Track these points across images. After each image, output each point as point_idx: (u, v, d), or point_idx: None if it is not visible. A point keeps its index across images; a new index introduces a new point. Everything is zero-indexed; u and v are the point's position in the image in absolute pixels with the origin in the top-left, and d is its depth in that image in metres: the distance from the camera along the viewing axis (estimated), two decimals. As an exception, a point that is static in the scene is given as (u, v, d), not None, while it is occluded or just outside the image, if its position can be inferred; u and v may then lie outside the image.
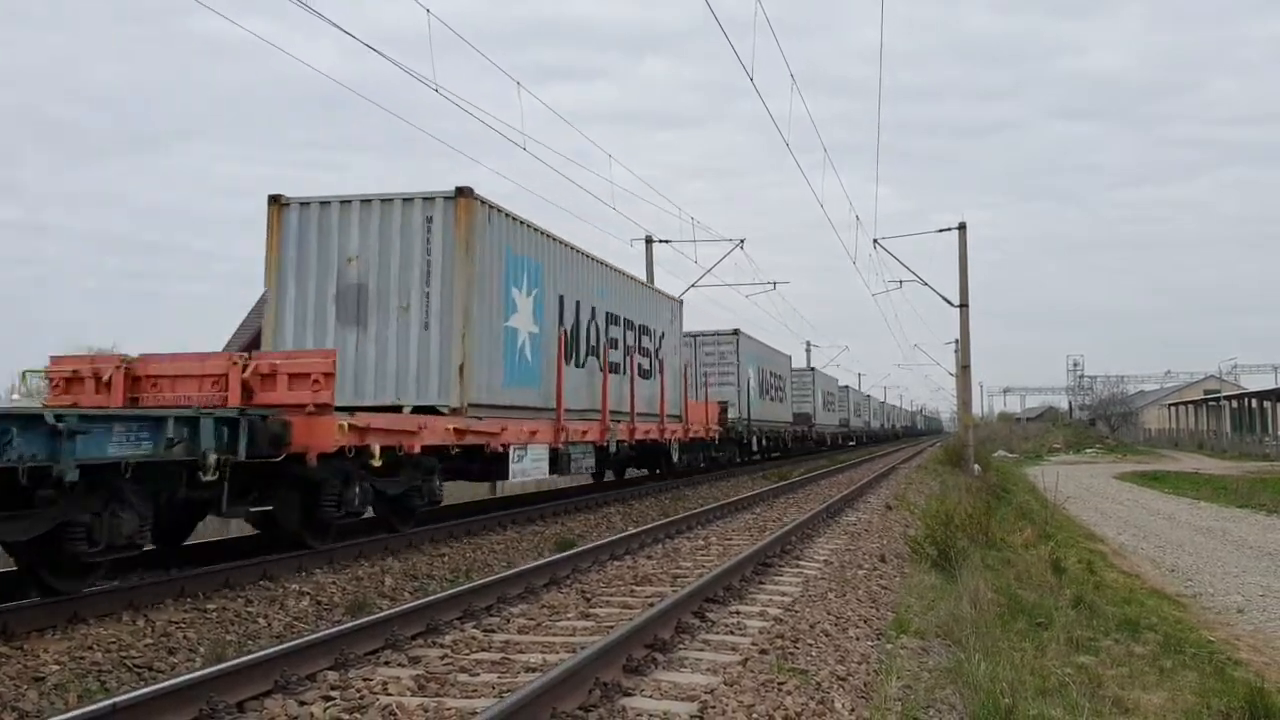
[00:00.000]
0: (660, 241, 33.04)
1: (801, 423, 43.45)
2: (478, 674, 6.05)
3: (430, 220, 12.70)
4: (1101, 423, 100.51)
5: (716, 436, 26.49)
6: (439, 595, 7.89)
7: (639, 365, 19.76)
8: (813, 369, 50.08)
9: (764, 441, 36.10)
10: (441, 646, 6.78)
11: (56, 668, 6.27)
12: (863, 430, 72.15)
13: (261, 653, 5.84)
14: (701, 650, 6.68)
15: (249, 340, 26.15)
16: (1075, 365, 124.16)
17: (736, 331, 30.54)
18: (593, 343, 17.12)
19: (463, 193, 12.68)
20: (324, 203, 13.02)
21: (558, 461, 15.37)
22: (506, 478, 13.88)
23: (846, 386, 65.55)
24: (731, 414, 28.62)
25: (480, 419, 12.90)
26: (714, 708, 5.26)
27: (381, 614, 7.11)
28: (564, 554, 10.48)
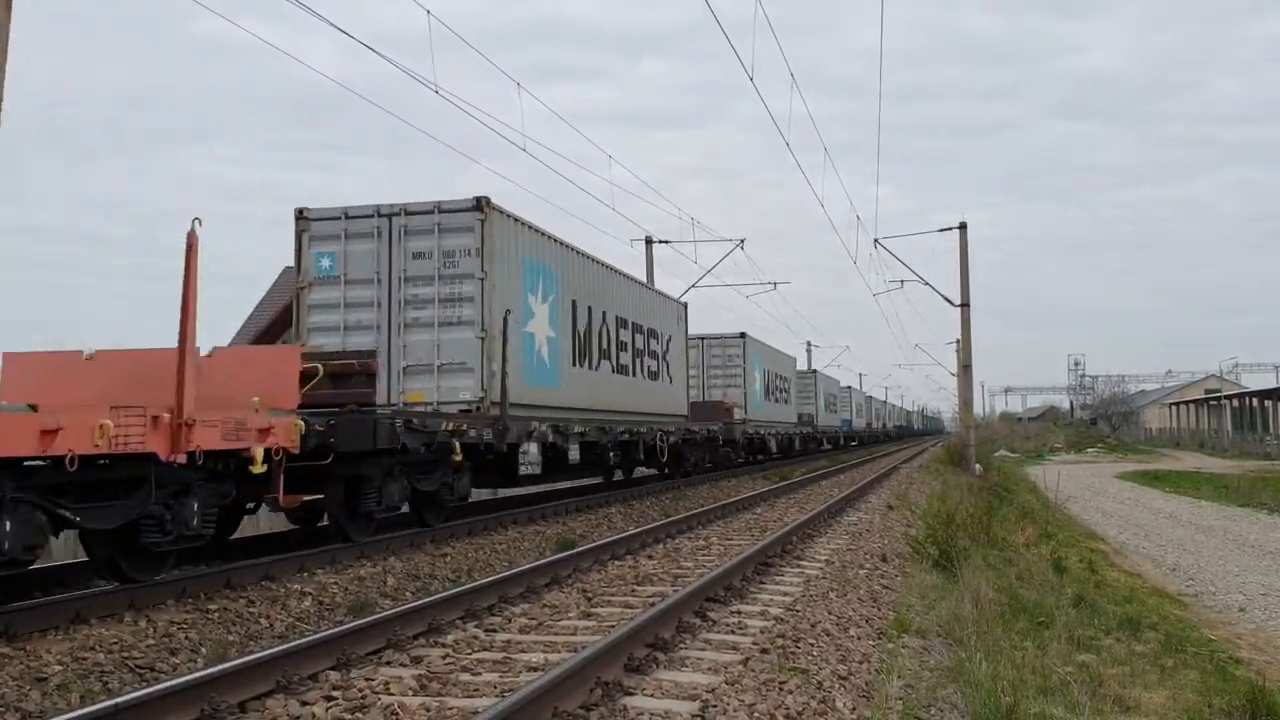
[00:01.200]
0: (660, 242, 33.05)
1: (713, 418, 26.82)
2: (479, 673, 6.06)
3: None
4: (1103, 422, 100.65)
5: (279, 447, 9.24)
6: (441, 595, 7.90)
7: None
8: (743, 335, 32.28)
9: (587, 450, 17.44)
10: (443, 646, 6.78)
11: (59, 668, 6.28)
12: (838, 431, 57.10)
13: (263, 653, 5.85)
14: (703, 649, 6.68)
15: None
16: (1076, 365, 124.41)
17: (482, 205, 13.99)
18: None
19: None
20: None
21: None
22: None
23: (814, 372, 50.77)
24: (413, 395, 13.86)
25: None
26: (715, 707, 5.26)
27: (383, 614, 7.11)
28: (565, 554, 10.49)
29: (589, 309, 17.86)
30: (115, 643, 6.90)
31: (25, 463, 6.96)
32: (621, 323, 19.70)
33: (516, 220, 14.99)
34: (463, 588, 8.28)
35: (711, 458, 27.44)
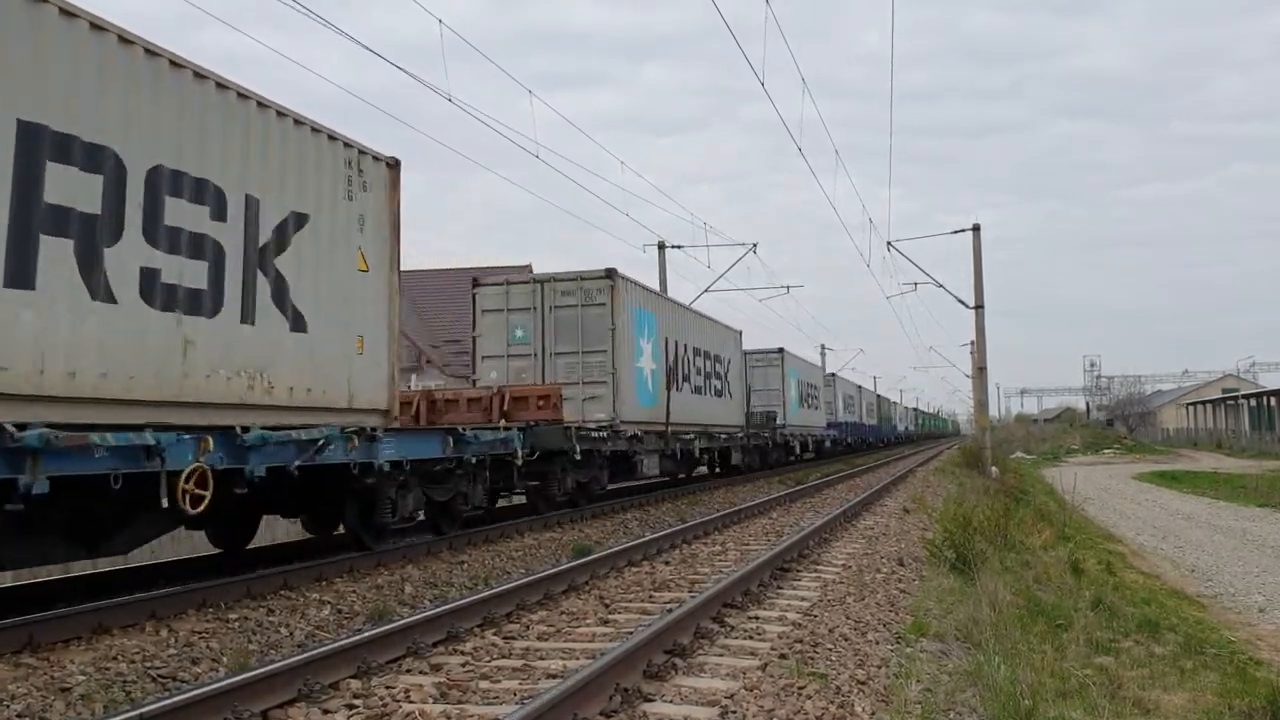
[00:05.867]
0: (673, 247, 33.05)
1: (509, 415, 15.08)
2: (499, 681, 6.09)
3: None
4: (1119, 423, 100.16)
5: None
6: (459, 602, 7.93)
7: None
8: (611, 272, 18.24)
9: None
10: (462, 654, 6.82)
11: (82, 678, 6.33)
12: (822, 435, 42.87)
13: (284, 661, 5.89)
14: (721, 655, 6.69)
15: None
16: (1092, 366, 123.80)
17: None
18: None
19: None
20: None
21: None
22: None
23: (780, 351, 35.19)
24: None
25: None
26: (735, 712, 5.28)
27: (402, 622, 7.15)
28: (582, 560, 10.50)
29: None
30: (137, 652, 6.96)
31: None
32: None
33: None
34: (481, 595, 8.31)
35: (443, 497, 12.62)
